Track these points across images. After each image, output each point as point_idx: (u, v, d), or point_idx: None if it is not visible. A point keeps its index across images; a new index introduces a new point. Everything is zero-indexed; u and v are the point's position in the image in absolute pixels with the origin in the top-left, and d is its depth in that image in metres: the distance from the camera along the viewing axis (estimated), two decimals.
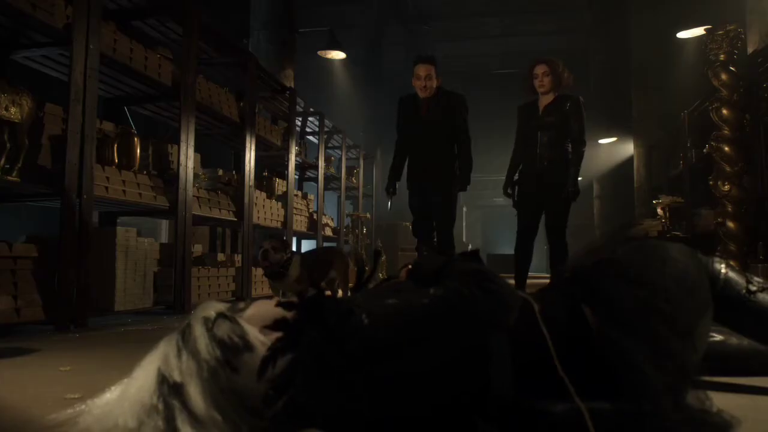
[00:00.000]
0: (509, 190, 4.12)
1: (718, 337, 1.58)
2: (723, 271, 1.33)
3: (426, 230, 4.08)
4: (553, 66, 3.96)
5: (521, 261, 4.05)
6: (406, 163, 4.19)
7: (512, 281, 3.77)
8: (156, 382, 0.87)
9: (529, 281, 4.09)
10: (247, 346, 0.90)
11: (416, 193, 4.09)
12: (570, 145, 3.93)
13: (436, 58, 4.04)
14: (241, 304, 1.01)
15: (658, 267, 1.17)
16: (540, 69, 3.97)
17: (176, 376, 0.86)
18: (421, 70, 3.96)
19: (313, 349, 0.85)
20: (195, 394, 0.85)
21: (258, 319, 0.96)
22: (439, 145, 4.01)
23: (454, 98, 4.05)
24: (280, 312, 0.92)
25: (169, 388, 0.86)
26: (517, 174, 4.14)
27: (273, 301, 1.02)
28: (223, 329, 0.91)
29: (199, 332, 0.91)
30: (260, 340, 0.92)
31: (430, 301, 0.93)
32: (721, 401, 1.07)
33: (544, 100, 4.02)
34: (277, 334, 0.89)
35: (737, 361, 1.60)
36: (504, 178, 4.21)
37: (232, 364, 0.88)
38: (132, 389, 0.89)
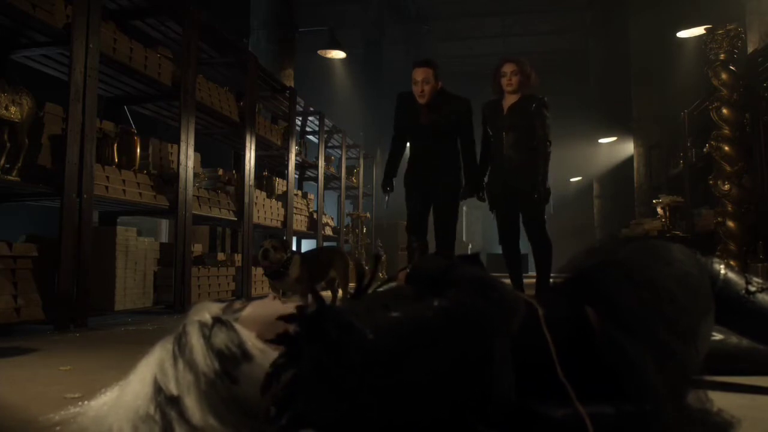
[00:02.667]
0: (482, 194, 4.00)
1: (718, 337, 1.58)
2: (722, 271, 1.34)
3: (421, 230, 3.92)
4: (521, 65, 3.84)
5: (512, 263, 3.94)
6: (407, 165, 4.01)
7: (508, 281, 3.74)
8: (152, 391, 0.87)
9: (529, 281, 4.05)
10: (246, 355, 0.90)
11: (416, 193, 3.92)
12: (537, 146, 3.80)
13: (434, 62, 3.85)
14: (237, 305, 1.00)
15: (660, 268, 1.16)
16: (509, 68, 3.84)
17: (173, 388, 0.86)
18: (418, 73, 3.76)
19: (315, 364, 0.85)
20: (192, 405, 0.85)
21: (256, 321, 0.96)
22: (442, 151, 3.84)
23: (457, 103, 3.85)
24: (280, 324, 0.92)
25: (165, 399, 0.85)
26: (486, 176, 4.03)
27: (270, 301, 1.02)
28: (220, 338, 0.91)
29: (196, 341, 0.90)
30: (258, 347, 0.91)
31: (433, 313, 0.92)
32: (720, 401, 1.07)
33: (509, 100, 3.88)
34: (279, 349, 0.89)
35: (737, 360, 1.60)
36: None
37: (232, 375, 0.88)
38: (127, 395, 0.88)
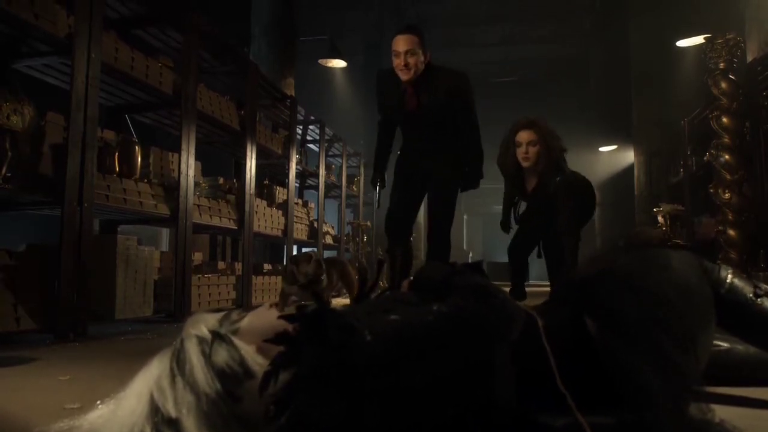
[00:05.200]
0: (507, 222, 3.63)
1: (724, 346, 1.57)
2: (729, 278, 1.32)
3: (404, 230, 3.33)
4: (540, 133, 3.24)
5: (517, 272, 3.61)
6: (398, 154, 3.45)
7: (508, 288, 3.65)
8: (149, 410, 0.86)
9: (534, 289, 3.95)
10: (248, 373, 0.89)
11: (405, 184, 3.33)
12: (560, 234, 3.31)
13: (420, 28, 3.14)
14: (234, 315, 0.99)
15: (660, 276, 1.16)
16: (525, 136, 3.25)
17: (171, 409, 0.85)
18: (400, 43, 3.01)
19: (314, 365, 0.85)
20: (191, 427, 0.84)
21: (255, 332, 0.95)
22: (438, 139, 3.22)
23: (451, 78, 3.16)
24: (280, 324, 0.92)
25: (163, 419, 0.84)
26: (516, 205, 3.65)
27: (268, 310, 1.01)
28: (221, 356, 0.90)
29: (196, 359, 0.89)
30: (259, 362, 0.90)
31: (433, 318, 0.92)
32: (723, 412, 1.07)
33: (531, 178, 3.34)
34: (279, 349, 0.89)
35: (741, 370, 1.59)
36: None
37: (234, 395, 0.87)
38: (123, 410, 0.87)
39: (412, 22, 3.31)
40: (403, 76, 3.04)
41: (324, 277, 3.20)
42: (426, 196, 3.41)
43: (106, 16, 3.55)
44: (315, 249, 7.21)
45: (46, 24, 2.95)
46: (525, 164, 3.27)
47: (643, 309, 1.09)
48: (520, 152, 3.26)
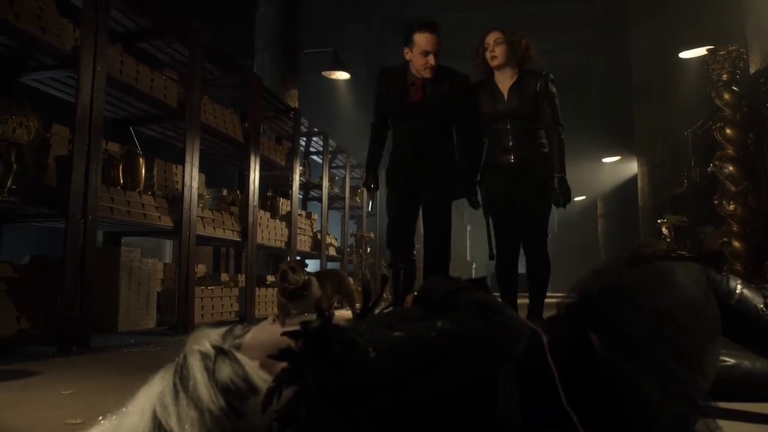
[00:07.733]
0: (475, 198, 3.33)
1: (730, 361, 1.56)
2: (738, 288, 1.31)
3: (406, 242, 3.23)
4: (507, 34, 3.22)
5: (510, 285, 3.27)
6: (389, 159, 3.35)
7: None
8: (152, 426, 0.85)
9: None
10: (252, 388, 0.89)
11: (399, 191, 3.22)
12: (544, 133, 3.17)
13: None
14: (238, 330, 0.99)
15: (665, 292, 1.15)
16: (492, 37, 3.22)
17: (174, 425, 0.84)
18: (432, 42, 3.07)
19: (318, 381, 0.84)
20: None
21: (259, 347, 0.94)
22: (434, 135, 3.16)
23: (456, 76, 3.19)
24: (284, 340, 0.91)
25: None
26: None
27: (271, 325, 1.01)
28: (225, 372, 0.89)
29: (199, 375, 0.88)
30: (263, 378, 0.90)
31: (437, 334, 0.92)
32: (730, 428, 1.06)
33: (504, 79, 3.21)
34: (282, 365, 0.88)
35: (749, 385, 1.57)
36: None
37: (238, 410, 0.86)
38: (125, 427, 0.87)
39: (434, 19, 3.29)
40: (427, 74, 3.10)
41: (312, 281, 3.20)
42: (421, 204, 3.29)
43: (112, 30, 3.58)
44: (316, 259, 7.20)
45: (52, 38, 2.97)
46: (493, 63, 3.21)
47: (648, 326, 1.08)
48: (488, 54, 3.23)
